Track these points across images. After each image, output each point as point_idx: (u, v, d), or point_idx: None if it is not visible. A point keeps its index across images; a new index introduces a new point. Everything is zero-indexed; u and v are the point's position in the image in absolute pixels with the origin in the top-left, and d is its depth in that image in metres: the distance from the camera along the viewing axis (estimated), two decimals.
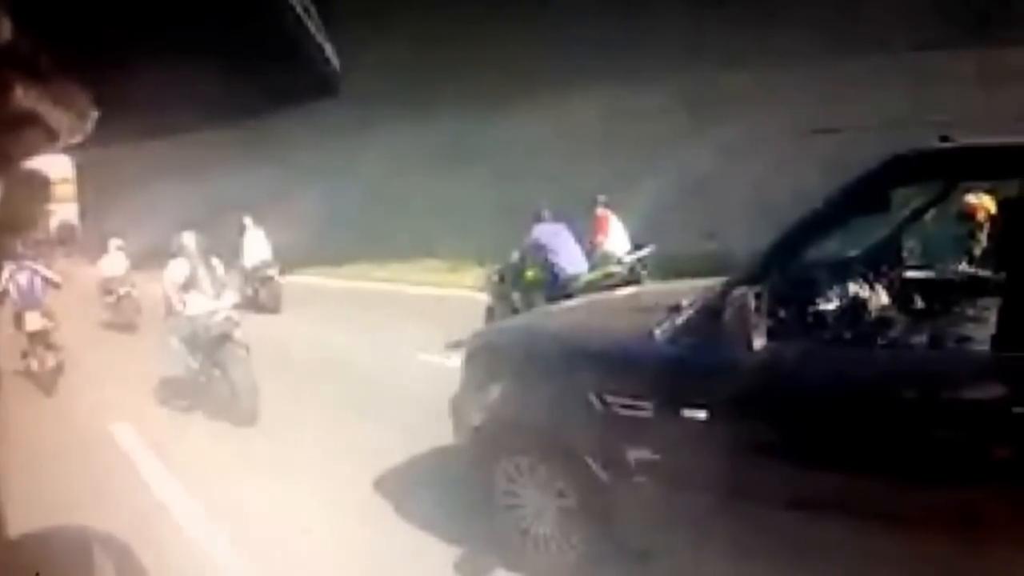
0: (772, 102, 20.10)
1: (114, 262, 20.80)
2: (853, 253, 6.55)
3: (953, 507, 3.88)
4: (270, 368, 11.17)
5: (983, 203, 11.00)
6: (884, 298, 5.96)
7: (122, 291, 20.10)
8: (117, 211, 25.44)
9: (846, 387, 4.38)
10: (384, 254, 26.02)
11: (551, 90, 24.47)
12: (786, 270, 4.97)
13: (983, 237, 10.94)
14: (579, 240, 14.07)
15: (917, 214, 6.96)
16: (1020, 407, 3.75)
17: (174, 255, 11.03)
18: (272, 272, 20.41)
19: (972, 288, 6.19)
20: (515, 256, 14.27)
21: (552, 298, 12.20)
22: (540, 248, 13.65)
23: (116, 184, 28.27)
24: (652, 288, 10.15)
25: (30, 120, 0.68)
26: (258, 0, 0.73)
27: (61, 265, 16.39)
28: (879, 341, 5.08)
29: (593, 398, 5.12)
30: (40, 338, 13.40)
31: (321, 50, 0.83)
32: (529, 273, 13.90)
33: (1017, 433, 3.77)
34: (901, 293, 6.24)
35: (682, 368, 4.92)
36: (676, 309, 5.13)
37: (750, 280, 4.55)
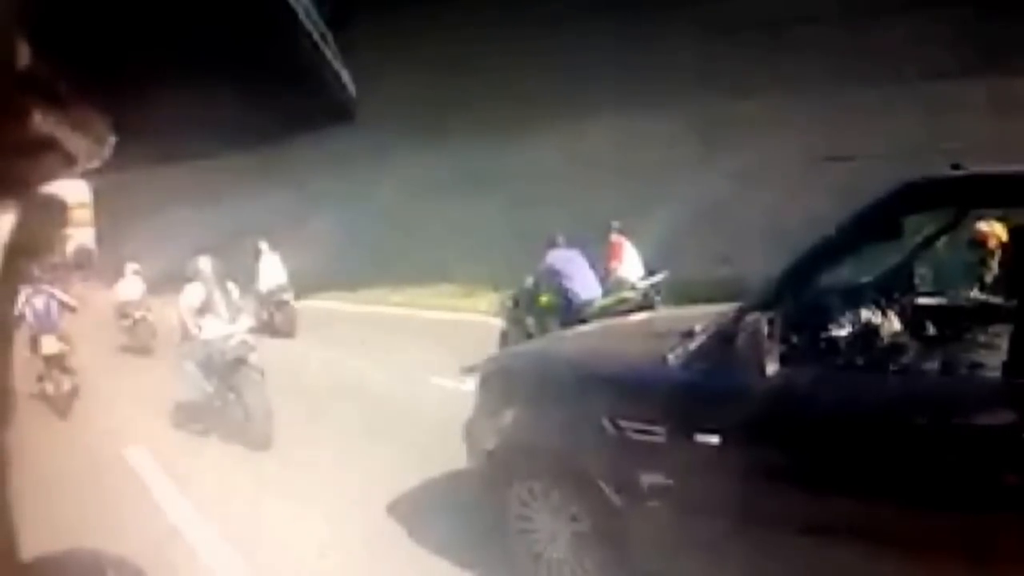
0: (785, 130, 20.11)
1: (130, 286, 20.89)
2: (865, 280, 6.53)
3: (964, 533, 3.86)
4: (285, 392, 11.18)
5: (995, 230, 10.94)
6: (896, 324, 5.94)
7: (138, 315, 20.18)
8: (134, 236, 25.48)
9: (858, 413, 4.36)
10: (399, 279, 26.03)
11: (565, 117, 24.51)
12: (799, 296, 4.97)
13: (994, 264, 10.88)
14: (593, 266, 14.08)
15: (929, 241, 6.95)
16: None
17: (190, 279, 11.08)
18: (287, 296, 20.49)
19: (984, 315, 6.16)
20: (529, 281, 14.29)
21: (566, 323, 12.21)
22: (554, 274, 13.65)
23: (133, 209, 28.34)
24: (666, 313, 10.15)
25: (48, 145, 0.68)
26: (275, 26, 0.73)
27: (77, 289, 16.43)
28: (891, 367, 5.06)
29: (606, 423, 5.11)
30: (56, 362, 13.43)
31: (338, 76, 0.83)
32: (543, 298, 13.92)
33: None
34: (913, 319, 6.22)
35: (695, 393, 4.91)
36: (689, 334, 5.13)
37: (763, 306, 4.55)
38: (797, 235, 5.41)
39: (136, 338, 20.16)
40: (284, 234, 23.00)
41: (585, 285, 13.54)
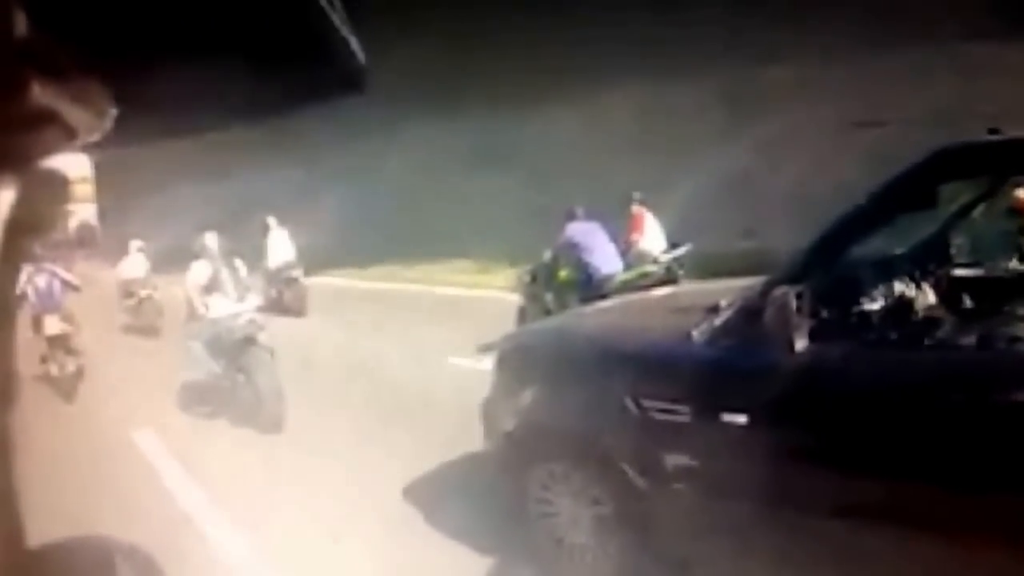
0: (813, 96, 20.04)
1: (135, 264, 20.92)
2: (899, 251, 6.49)
3: (1003, 515, 3.84)
4: (295, 372, 11.22)
5: None
6: (931, 297, 5.92)
7: (143, 294, 20.22)
8: (138, 212, 25.60)
9: (892, 390, 4.33)
10: (412, 254, 26.03)
11: (584, 86, 24.47)
12: (829, 269, 4.94)
13: None
14: (614, 239, 14.08)
15: (965, 210, 6.88)
16: None
17: (196, 257, 11.11)
18: (297, 274, 20.49)
19: (1023, 286, 6.13)
20: (548, 256, 14.30)
21: (586, 299, 12.19)
22: (574, 247, 13.66)
23: (136, 184, 28.42)
24: (689, 288, 10.12)
25: (48, 118, 0.69)
26: None
27: (80, 267, 16.45)
28: (926, 342, 5.03)
29: (629, 402, 5.11)
30: (59, 342, 13.49)
31: (347, 45, 0.83)
32: (562, 273, 13.92)
33: None
34: (949, 292, 6.18)
35: (721, 371, 4.89)
36: (714, 310, 5.11)
37: (791, 279, 4.52)
38: (826, 205, 5.39)
39: (141, 318, 20.22)
40: (293, 209, 23.07)
41: (605, 259, 13.54)
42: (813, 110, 19.87)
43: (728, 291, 5.42)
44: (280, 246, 20.63)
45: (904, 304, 5.55)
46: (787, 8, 21.20)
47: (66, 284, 13.61)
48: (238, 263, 11.39)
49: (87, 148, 0.80)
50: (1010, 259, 9.09)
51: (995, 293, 6.09)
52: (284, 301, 20.06)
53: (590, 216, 14.11)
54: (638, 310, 7.44)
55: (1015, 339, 4.73)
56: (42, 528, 0.94)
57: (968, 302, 6.21)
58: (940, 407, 4.09)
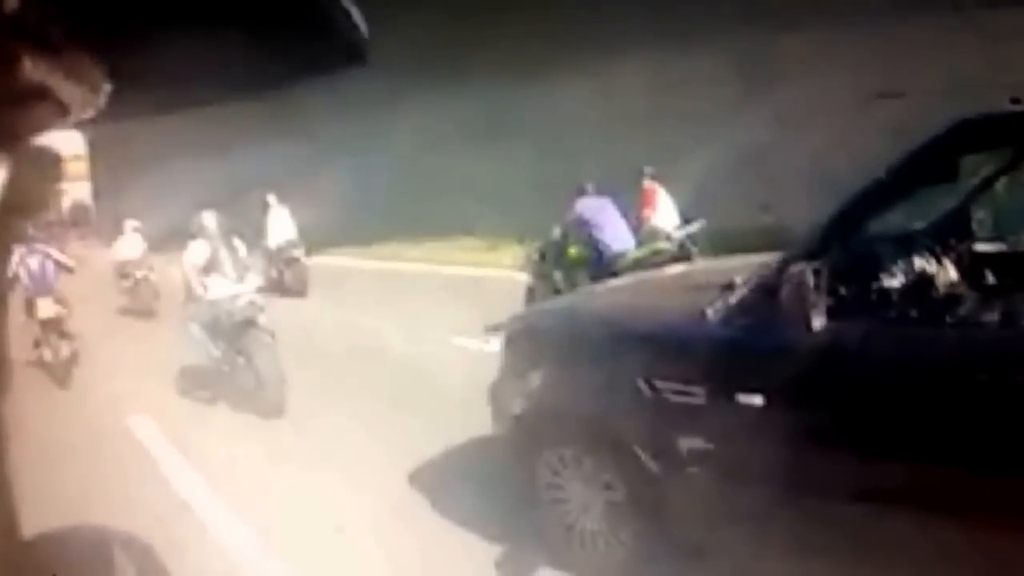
0: (831, 65, 19.90)
1: (130, 244, 20.86)
2: (919, 226, 6.48)
3: None
4: (297, 355, 11.23)
5: None
6: (953, 273, 5.91)
7: (139, 275, 20.16)
8: (133, 190, 25.58)
9: (913, 369, 4.32)
10: (417, 232, 26.00)
11: (594, 55, 24.33)
12: (847, 245, 4.94)
13: None
14: (625, 215, 14.02)
15: (987, 183, 6.86)
16: None
17: (194, 236, 11.09)
18: (298, 253, 20.47)
19: None
20: (557, 233, 14.23)
21: (597, 277, 12.18)
22: (584, 224, 13.62)
23: (131, 162, 28.43)
24: (703, 265, 10.08)
25: (39, 94, 0.68)
26: None
27: (74, 248, 16.54)
28: (948, 320, 5.02)
29: (642, 384, 5.11)
30: (53, 326, 13.49)
31: (348, 15, 0.82)
32: (572, 251, 13.88)
33: None
34: (971, 268, 6.16)
35: (736, 351, 4.89)
36: (729, 287, 5.10)
37: (808, 256, 4.52)
38: (844, 179, 5.40)
39: (137, 300, 20.19)
40: (294, 186, 22.97)
41: (617, 236, 13.50)
42: (830, 80, 19.75)
43: (743, 268, 5.42)
44: (280, 224, 20.60)
45: (925, 280, 5.54)
46: None
47: (60, 265, 13.58)
48: (237, 242, 11.37)
49: (80, 125, 0.80)
50: None
51: (1019, 268, 6.08)
52: (285, 281, 20.05)
53: (601, 191, 14.06)
54: (651, 288, 7.44)
55: None
56: (37, 518, 0.94)
57: (991, 278, 6.20)
58: (963, 386, 4.08)
